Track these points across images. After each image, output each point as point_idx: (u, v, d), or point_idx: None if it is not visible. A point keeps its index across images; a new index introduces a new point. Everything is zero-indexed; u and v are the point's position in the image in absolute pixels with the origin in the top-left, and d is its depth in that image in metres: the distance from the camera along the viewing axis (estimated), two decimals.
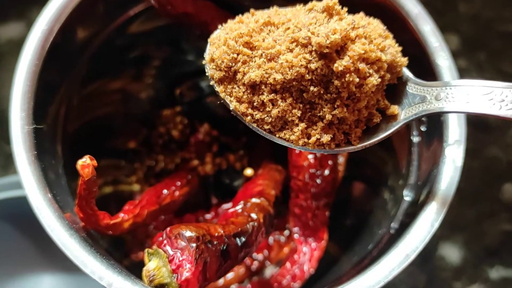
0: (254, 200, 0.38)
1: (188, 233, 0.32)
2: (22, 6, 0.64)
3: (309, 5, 0.31)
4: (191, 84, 0.50)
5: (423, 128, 0.37)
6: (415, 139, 0.38)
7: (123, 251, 0.44)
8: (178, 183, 0.42)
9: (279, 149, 0.48)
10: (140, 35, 0.45)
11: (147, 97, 0.51)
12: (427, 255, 0.59)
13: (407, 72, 0.32)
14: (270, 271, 0.47)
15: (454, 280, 0.59)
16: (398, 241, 0.30)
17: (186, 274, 0.31)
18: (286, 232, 0.47)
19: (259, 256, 0.46)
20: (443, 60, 0.35)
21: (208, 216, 0.46)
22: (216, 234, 0.33)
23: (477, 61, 0.70)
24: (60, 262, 0.55)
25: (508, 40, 0.70)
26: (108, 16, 0.39)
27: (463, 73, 0.69)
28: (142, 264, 0.39)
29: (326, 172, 0.42)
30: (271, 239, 0.47)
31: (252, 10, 0.32)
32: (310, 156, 0.42)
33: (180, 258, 0.31)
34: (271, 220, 0.38)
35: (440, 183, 0.32)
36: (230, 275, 0.45)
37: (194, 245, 0.31)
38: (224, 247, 0.33)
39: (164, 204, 0.40)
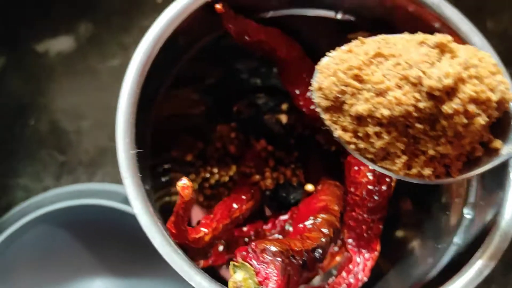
0: (323, 215, 0.41)
1: (273, 248, 0.35)
2: (71, 20, 0.66)
3: (421, 37, 0.31)
4: (247, 101, 0.53)
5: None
6: None
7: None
8: (244, 197, 0.45)
9: (333, 165, 0.52)
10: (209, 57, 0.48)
11: (204, 113, 0.53)
12: None
13: None
14: (318, 279, 0.50)
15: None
16: (470, 258, 0.33)
17: (272, 286, 0.34)
18: (339, 243, 0.50)
19: None
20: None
21: (266, 227, 0.49)
22: (297, 248, 0.36)
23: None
24: (111, 266, 0.58)
25: None
26: (188, 44, 0.42)
27: None
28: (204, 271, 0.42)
29: (384, 188, 0.45)
30: None
31: (361, 38, 0.33)
32: (369, 174, 0.45)
33: (267, 271, 0.34)
34: (337, 234, 0.41)
35: (506, 205, 0.34)
36: None
37: (279, 259, 0.34)
38: (304, 260, 0.36)
39: (234, 217, 0.43)
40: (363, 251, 0.47)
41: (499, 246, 0.33)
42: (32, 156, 0.62)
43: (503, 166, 0.36)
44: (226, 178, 0.53)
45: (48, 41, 0.65)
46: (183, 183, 0.33)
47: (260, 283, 0.34)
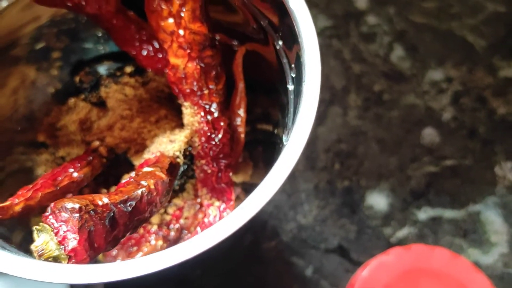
0: (145, 169, 0.39)
1: (70, 205, 0.33)
2: None
3: None
4: (88, 70, 0.51)
5: (293, 74, 0.38)
6: (290, 87, 0.39)
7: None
8: (78, 165, 0.43)
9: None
10: (40, 27, 0.45)
11: (54, 90, 0.51)
12: (356, 206, 0.61)
13: None
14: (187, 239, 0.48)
15: (384, 227, 0.61)
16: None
17: (72, 244, 0.32)
18: (199, 200, 0.48)
19: (176, 226, 0.47)
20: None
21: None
22: (101, 203, 0.34)
23: (387, 16, 0.72)
24: None
25: None
26: None
27: (374, 29, 0.70)
28: None
29: (220, 135, 0.43)
30: (186, 208, 0.48)
31: None
32: (202, 121, 0.43)
33: (65, 229, 0.32)
34: (165, 186, 0.39)
35: (299, 119, 0.33)
36: (146, 248, 0.46)
37: (76, 215, 0.32)
38: (111, 214, 0.34)
39: (62, 186, 0.41)
40: (218, 202, 0.45)
41: (288, 165, 0.31)
42: None
43: (300, 81, 0.34)
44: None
45: None
46: None
47: (60, 242, 0.32)
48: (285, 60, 0.40)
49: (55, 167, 0.51)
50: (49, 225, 0.32)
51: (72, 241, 0.32)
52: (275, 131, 0.45)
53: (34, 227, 0.33)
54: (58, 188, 0.41)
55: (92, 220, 0.33)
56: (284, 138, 0.38)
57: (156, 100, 0.50)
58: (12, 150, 0.49)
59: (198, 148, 0.44)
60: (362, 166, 0.63)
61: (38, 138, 0.51)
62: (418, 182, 0.63)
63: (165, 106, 0.49)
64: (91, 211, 0.33)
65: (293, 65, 0.38)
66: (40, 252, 0.32)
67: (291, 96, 0.39)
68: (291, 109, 0.39)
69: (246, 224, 0.30)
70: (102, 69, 0.51)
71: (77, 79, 0.51)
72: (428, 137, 0.65)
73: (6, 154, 0.48)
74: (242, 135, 0.46)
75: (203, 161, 0.45)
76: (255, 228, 0.59)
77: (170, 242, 0.47)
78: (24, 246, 0.40)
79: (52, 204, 0.33)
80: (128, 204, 0.35)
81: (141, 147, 0.47)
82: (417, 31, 0.71)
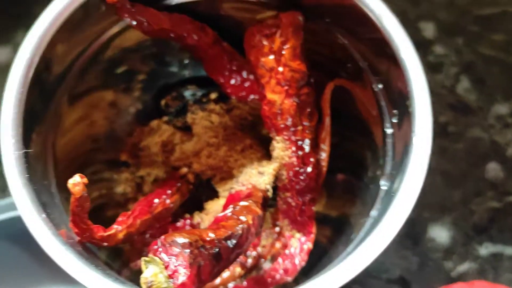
0: (242, 203, 0.40)
1: (181, 240, 0.34)
2: (7, 30, 0.65)
3: None
4: (175, 94, 0.52)
5: (394, 119, 0.39)
6: (389, 130, 0.39)
7: (122, 261, 0.46)
8: (169, 192, 0.44)
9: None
10: (125, 50, 0.47)
11: (135, 111, 0.52)
12: (418, 238, 0.61)
13: None
14: (265, 267, 0.48)
15: (445, 260, 0.61)
16: (376, 227, 0.32)
17: (182, 278, 0.33)
18: (277, 229, 0.49)
19: (253, 254, 0.48)
20: (407, 54, 0.36)
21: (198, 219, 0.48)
22: (208, 238, 0.35)
23: (455, 46, 0.72)
24: (59, 276, 0.57)
25: (485, 24, 0.72)
26: (90, 35, 0.41)
27: (442, 59, 0.71)
28: (141, 272, 0.41)
29: (309, 169, 0.44)
30: (264, 236, 0.49)
31: None
32: (292, 155, 0.44)
33: (176, 264, 0.33)
34: (260, 221, 0.40)
35: (409, 170, 0.33)
36: (225, 274, 0.47)
37: (187, 251, 0.33)
38: (216, 250, 0.35)
39: (156, 212, 0.42)
40: (299, 234, 0.46)
41: (401, 215, 0.31)
42: None
43: (408, 131, 0.34)
44: (164, 175, 0.52)
45: None
46: (73, 180, 0.32)
47: (170, 276, 0.33)
48: (383, 103, 0.40)
49: (134, 186, 0.53)
50: (159, 258, 0.34)
51: (183, 276, 0.33)
52: (360, 168, 0.45)
53: (142, 259, 0.34)
54: (153, 214, 0.42)
55: (201, 255, 0.34)
56: (382, 182, 0.39)
57: (240, 128, 0.51)
58: (93, 168, 0.51)
59: (285, 181, 0.45)
60: (426, 197, 0.64)
61: (120, 158, 0.52)
62: (480, 217, 0.63)
63: (249, 135, 0.50)
64: (201, 247, 0.34)
65: (395, 111, 0.38)
66: (150, 284, 0.33)
67: (389, 140, 0.40)
68: (389, 153, 0.39)
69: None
70: (188, 94, 0.52)
71: (163, 102, 0.52)
72: (493, 172, 0.65)
73: (87, 172, 0.50)
74: (325, 169, 0.47)
75: (288, 194, 0.45)
76: None
77: (247, 269, 0.48)
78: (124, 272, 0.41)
79: (162, 237, 0.34)
80: (231, 239, 0.36)
81: (227, 175, 0.48)
82: (485, 63, 0.71)
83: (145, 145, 0.53)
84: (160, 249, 0.34)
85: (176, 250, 0.33)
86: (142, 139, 0.53)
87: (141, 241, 0.46)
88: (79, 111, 0.43)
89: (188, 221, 0.47)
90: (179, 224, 0.47)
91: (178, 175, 0.48)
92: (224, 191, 0.48)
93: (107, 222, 0.38)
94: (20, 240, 0.55)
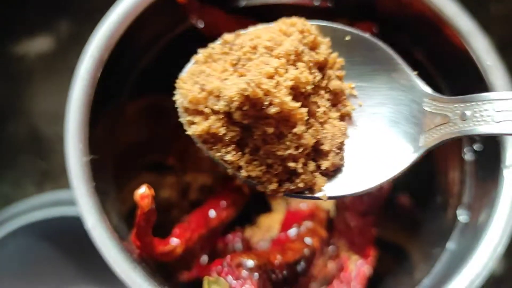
0: (307, 224, 0.38)
1: (250, 263, 0.32)
2: (49, 19, 0.63)
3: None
4: None
5: (476, 147, 0.36)
6: (467, 156, 0.37)
7: (168, 271, 0.44)
8: (224, 203, 0.42)
9: None
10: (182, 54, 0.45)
11: None
12: None
13: (422, 86, 0.29)
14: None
15: None
16: (461, 265, 0.30)
17: None
18: (331, 248, 0.46)
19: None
20: (497, 79, 0.34)
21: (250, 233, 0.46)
22: (276, 262, 0.33)
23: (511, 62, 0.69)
24: (97, 277, 0.56)
25: None
26: (153, 39, 0.38)
27: None
28: (187, 284, 0.39)
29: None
30: (316, 254, 0.47)
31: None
32: None
33: None
34: (324, 243, 0.38)
35: (500, 207, 0.31)
36: None
37: (257, 274, 0.31)
38: (284, 274, 0.33)
39: (212, 226, 0.40)
40: (356, 257, 0.44)
41: (492, 253, 0.29)
42: (12, 163, 0.59)
43: (496, 162, 0.32)
44: (210, 182, 0.50)
45: (26, 42, 0.62)
46: (142, 192, 0.30)
47: None
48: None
49: (179, 192, 0.51)
50: (226, 280, 0.32)
51: None
52: (428, 192, 0.43)
53: (206, 278, 0.32)
54: (209, 228, 0.40)
55: (270, 280, 0.32)
56: (459, 212, 0.36)
57: None
58: (139, 172, 0.49)
59: (346, 201, 0.43)
60: None
61: (167, 162, 0.50)
62: None
63: None
64: (270, 271, 0.32)
65: (477, 137, 0.36)
66: None
67: (468, 168, 0.37)
68: (468, 181, 0.37)
69: None
70: None
71: None
72: None
73: (134, 175, 0.48)
74: (386, 192, 0.44)
75: (348, 214, 0.43)
76: None
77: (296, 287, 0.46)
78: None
79: (228, 258, 0.32)
80: (298, 264, 0.34)
81: None
82: None
83: (192, 150, 0.50)
84: (226, 270, 0.32)
85: (244, 273, 0.31)
86: (190, 144, 0.50)
87: (189, 252, 0.44)
88: (135, 114, 0.41)
89: (239, 234, 0.45)
90: (229, 237, 0.45)
91: (231, 186, 0.45)
92: (277, 204, 0.46)
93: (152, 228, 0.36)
94: (55, 239, 0.54)
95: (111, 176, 0.36)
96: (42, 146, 0.60)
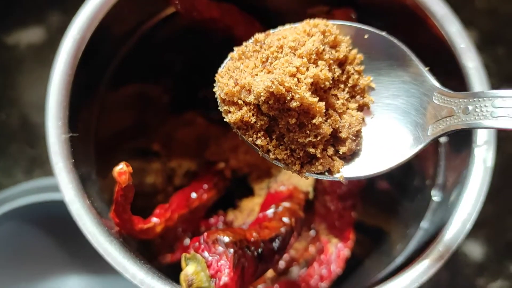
0: (285, 204, 0.39)
1: (226, 239, 0.32)
2: (41, 10, 0.64)
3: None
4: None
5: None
6: (442, 139, 0.38)
7: (151, 253, 0.44)
8: (206, 186, 0.43)
9: None
10: (165, 41, 0.45)
11: (171, 101, 0.51)
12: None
13: (432, 81, 0.31)
14: (296, 271, 0.47)
15: (477, 276, 0.59)
16: (432, 242, 0.30)
17: (224, 278, 0.31)
18: (312, 232, 0.47)
19: (286, 257, 0.47)
20: (470, 61, 0.35)
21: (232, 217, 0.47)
22: (252, 239, 0.34)
23: (496, 56, 0.70)
24: (85, 263, 0.56)
25: None
26: (135, 22, 0.39)
27: None
28: (170, 266, 0.40)
29: None
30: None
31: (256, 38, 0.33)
32: None
33: (219, 263, 0.32)
34: (301, 223, 0.38)
35: (471, 184, 0.32)
36: None
37: (232, 250, 0.32)
38: (260, 251, 0.34)
39: (194, 207, 0.41)
40: (336, 240, 0.45)
41: (461, 228, 0.30)
42: (2, 151, 0.60)
43: (467, 142, 0.33)
44: (195, 168, 0.51)
45: (17, 33, 0.63)
46: (120, 168, 0.31)
47: (212, 275, 0.32)
48: None
49: (165, 177, 0.51)
50: (202, 256, 0.32)
51: (225, 276, 0.31)
52: (405, 176, 0.43)
53: (183, 255, 0.33)
54: (190, 209, 0.40)
55: (245, 256, 0.33)
56: (433, 193, 0.37)
57: None
58: (124, 157, 0.49)
59: (326, 183, 0.43)
60: None
61: (152, 147, 0.51)
62: None
63: None
64: (245, 248, 0.33)
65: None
66: (190, 282, 0.32)
67: (442, 149, 0.38)
68: (442, 163, 0.38)
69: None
70: None
71: (200, 94, 0.51)
72: None
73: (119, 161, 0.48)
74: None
75: (328, 197, 0.44)
76: None
77: (278, 272, 0.46)
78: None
79: (205, 235, 0.33)
80: (275, 241, 0.35)
81: (263, 173, 0.46)
82: None
83: (179, 137, 0.51)
84: (203, 246, 0.33)
85: (220, 249, 0.32)
86: (176, 130, 0.51)
87: (171, 234, 0.45)
88: (119, 98, 0.42)
89: (221, 218, 0.46)
90: (212, 220, 0.46)
91: (214, 170, 0.46)
92: (259, 189, 0.46)
93: (136, 213, 0.37)
94: (42, 224, 0.55)
95: (94, 158, 0.37)
96: (31, 134, 0.61)
